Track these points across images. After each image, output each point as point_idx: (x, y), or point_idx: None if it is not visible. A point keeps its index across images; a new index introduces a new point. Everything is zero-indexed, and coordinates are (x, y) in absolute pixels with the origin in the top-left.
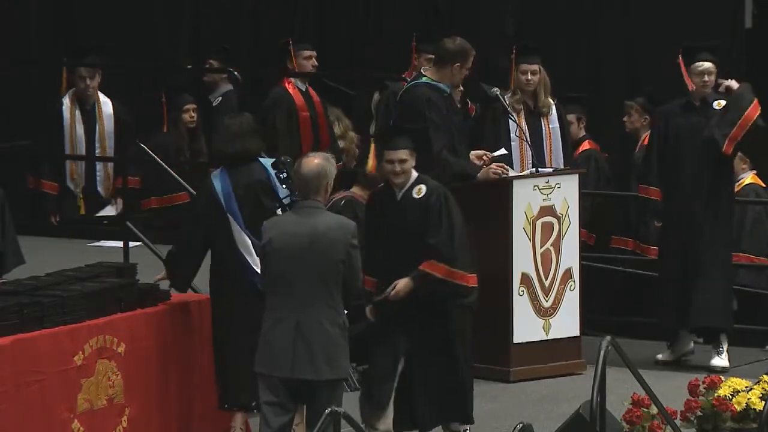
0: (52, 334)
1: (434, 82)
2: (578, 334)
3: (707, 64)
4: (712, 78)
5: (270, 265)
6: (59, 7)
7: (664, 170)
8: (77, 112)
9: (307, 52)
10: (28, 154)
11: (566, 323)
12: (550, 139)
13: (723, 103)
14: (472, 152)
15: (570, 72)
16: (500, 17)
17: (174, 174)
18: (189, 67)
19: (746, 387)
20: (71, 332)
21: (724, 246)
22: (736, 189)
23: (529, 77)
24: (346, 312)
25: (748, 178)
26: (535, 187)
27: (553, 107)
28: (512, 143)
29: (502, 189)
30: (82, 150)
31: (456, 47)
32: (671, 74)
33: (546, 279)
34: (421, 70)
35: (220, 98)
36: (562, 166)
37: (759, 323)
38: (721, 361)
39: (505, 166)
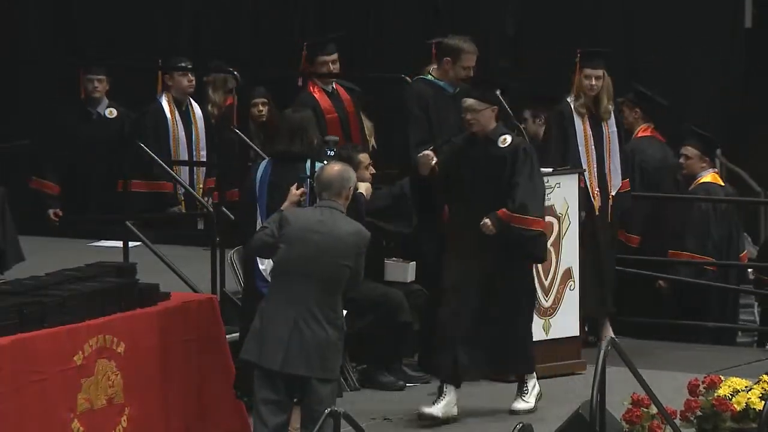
0: (52, 334)
1: (436, 80)
2: (578, 334)
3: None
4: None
5: (282, 255)
6: (59, 7)
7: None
8: (177, 114)
9: (322, 58)
10: (30, 153)
11: (566, 323)
12: (609, 143)
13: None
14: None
15: (570, 72)
16: (500, 17)
17: (171, 172)
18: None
19: (746, 387)
20: (71, 332)
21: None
22: (691, 187)
23: (593, 82)
24: (345, 312)
25: (707, 176)
26: None
27: (612, 113)
28: (580, 147)
29: None
30: (183, 152)
31: (450, 43)
32: (672, 74)
33: (546, 279)
34: (430, 69)
35: (114, 111)
36: (619, 170)
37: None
38: (524, 404)
39: (430, 153)
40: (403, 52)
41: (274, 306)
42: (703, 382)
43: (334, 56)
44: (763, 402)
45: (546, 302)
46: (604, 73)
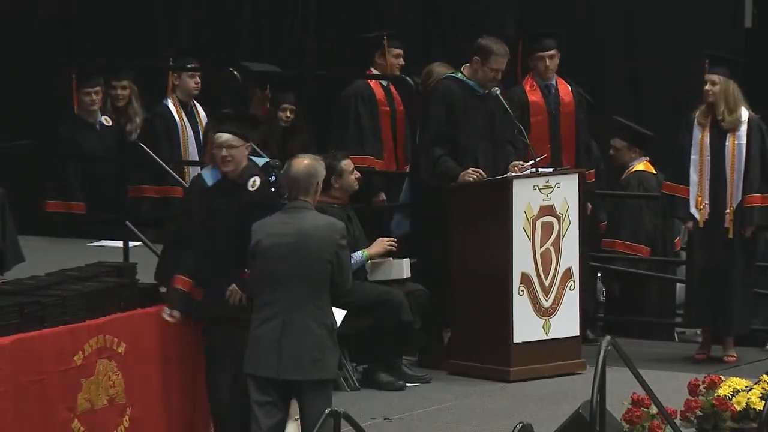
0: (52, 333)
1: (465, 79)
2: (578, 334)
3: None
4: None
5: (258, 266)
6: (59, 7)
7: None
8: (184, 116)
9: (397, 50)
10: (29, 154)
11: (566, 323)
12: (732, 155)
13: None
14: (512, 164)
15: (570, 72)
16: (500, 17)
17: (171, 171)
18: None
19: (746, 387)
20: (71, 332)
21: None
22: (624, 176)
23: (708, 87)
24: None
25: (639, 165)
26: (535, 187)
27: (743, 124)
28: (692, 157)
29: (502, 189)
30: (194, 153)
31: (481, 43)
32: (671, 74)
33: (546, 279)
34: (462, 68)
35: (109, 119)
36: (741, 184)
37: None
38: None
39: (482, 172)
40: (403, 51)
41: (262, 316)
42: (703, 382)
43: (401, 50)
44: (763, 402)
45: (546, 302)
46: (719, 78)
